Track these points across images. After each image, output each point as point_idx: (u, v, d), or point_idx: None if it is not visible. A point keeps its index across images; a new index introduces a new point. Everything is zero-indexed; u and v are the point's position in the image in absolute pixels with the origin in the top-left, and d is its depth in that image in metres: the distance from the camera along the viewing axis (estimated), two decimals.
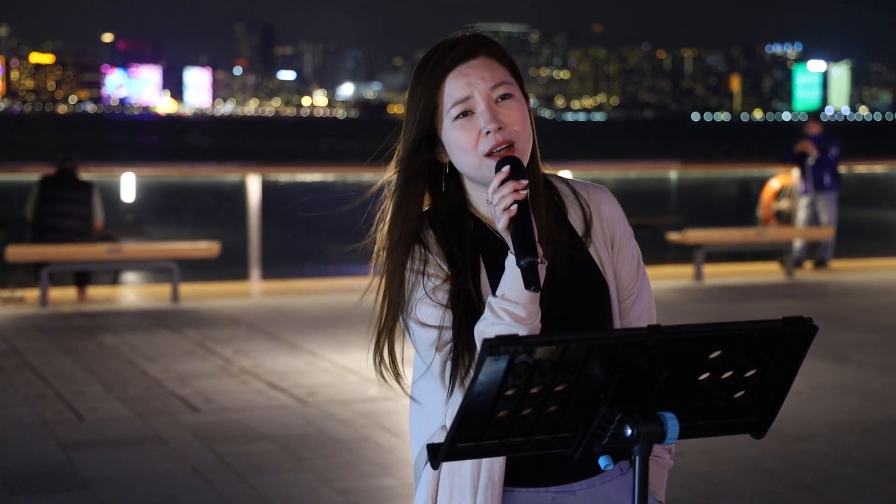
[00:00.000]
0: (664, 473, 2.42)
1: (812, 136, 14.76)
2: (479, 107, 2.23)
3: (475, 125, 2.23)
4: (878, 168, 17.70)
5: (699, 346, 1.94)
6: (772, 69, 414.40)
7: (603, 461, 2.00)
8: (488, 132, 2.22)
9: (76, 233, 12.02)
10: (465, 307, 2.22)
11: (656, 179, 17.09)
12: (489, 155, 2.22)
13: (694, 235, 13.69)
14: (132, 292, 13.14)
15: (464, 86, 2.23)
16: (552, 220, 2.30)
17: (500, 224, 2.13)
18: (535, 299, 2.16)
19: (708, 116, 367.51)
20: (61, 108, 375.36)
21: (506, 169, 2.15)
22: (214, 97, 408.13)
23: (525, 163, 2.24)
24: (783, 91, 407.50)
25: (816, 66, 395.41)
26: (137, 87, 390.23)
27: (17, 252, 11.70)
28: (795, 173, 15.00)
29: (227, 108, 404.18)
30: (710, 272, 13.91)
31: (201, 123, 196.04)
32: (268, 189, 13.42)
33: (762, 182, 15.81)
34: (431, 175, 2.31)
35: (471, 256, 2.26)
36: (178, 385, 8.11)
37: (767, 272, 14.37)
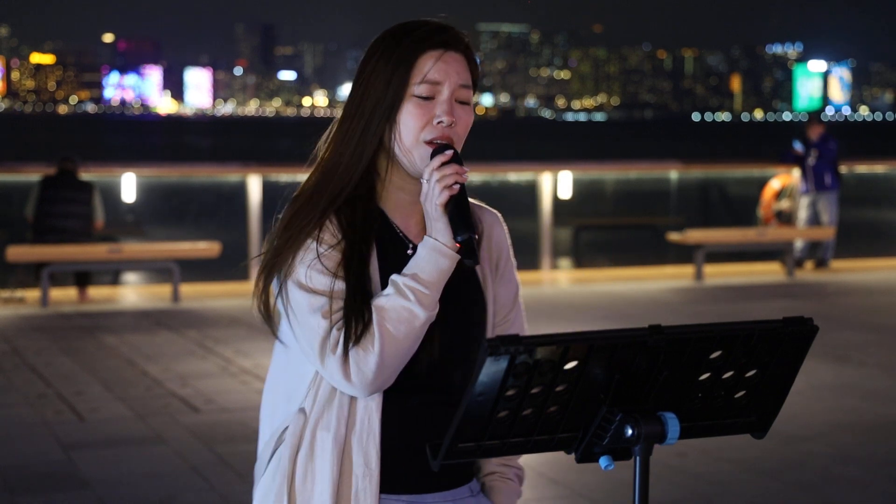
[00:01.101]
0: (513, 497, 2.39)
1: (813, 139, 14.74)
2: (442, 95, 2.23)
3: (431, 110, 2.22)
4: (879, 168, 17.70)
5: (700, 347, 1.94)
6: (772, 69, 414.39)
7: (603, 461, 1.99)
8: (440, 122, 2.22)
9: (77, 233, 12.02)
10: (358, 279, 2.18)
11: (657, 179, 17.09)
12: (429, 142, 2.22)
13: (694, 235, 13.69)
14: (132, 292, 13.14)
15: (441, 70, 2.23)
16: None
17: (439, 199, 2.14)
18: (440, 288, 2.16)
19: (708, 116, 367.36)
20: (62, 109, 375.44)
21: (449, 152, 2.18)
22: (215, 97, 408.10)
23: None
24: (784, 91, 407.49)
25: (817, 66, 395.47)
26: (139, 86, 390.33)
27: (18, 252, 11.70)
28: (796, 173, 15.00)
29: (227, 108, 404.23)
30: (711, 272, 13.91)
31: (202, 123, 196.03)
32: (268, 189, 13.42)
33: (763, 182, 15.81)
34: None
35: (369, 236, 2.23)
36: (179, 385, 8.11)
37: (768, 272, 14.37)
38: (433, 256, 2.16)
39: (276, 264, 2.21)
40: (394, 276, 2.17)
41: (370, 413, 2.19)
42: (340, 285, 2.17)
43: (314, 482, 2.18)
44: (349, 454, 2.18)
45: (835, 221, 14.69)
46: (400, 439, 2.21)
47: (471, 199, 2.39)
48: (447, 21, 2.31)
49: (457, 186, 2.15)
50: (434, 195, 2.15)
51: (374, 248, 2.24)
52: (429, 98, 2.22)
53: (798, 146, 14.80)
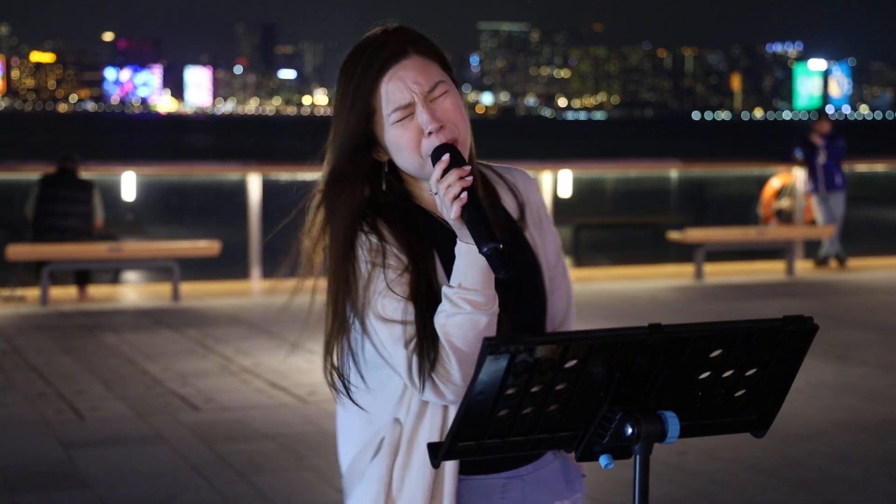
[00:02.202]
0: None
1: (823, 134, 14.70)
2: (417, 108, 2.21)
3: (415, 125, 2.20)
4: (879, 167, 17.70)
5: (700, 345, 1.94)
6: (772, 68, 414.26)
7: (603, 460, 1.99)
8: (430, 132, 2.20)
9: (77, 232, 12.02)
10: (427, 299, 2.19)
11: (657, 178, 17.08)
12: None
13: (694, 234, 13.69)
14: (133, 291, 13.14)
15: (402, 89, 2.20)
16: (490, 206, 2.29)
17: (452, 213, 2.10)
18: (491, 284, 2.15)
19: (708, 115, 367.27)
20: (62, 107, 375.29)
21: (446, 157, 2.13)
22: (215, 96, 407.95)
23: (466, 154, 2.23)
24: (784, 90, 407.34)
25: (817, 64, 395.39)
26: (140, 84, 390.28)
27: (18, 251, 11.70)
28: (797, 172, 14.98)
29: (227, 106, 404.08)
30: (711, 271, 13.91)
31: (202, 122, 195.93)
32: (268, 188, 13.42)
33: (763, 181, 15.80)
34: (370, 174, 2.27)
35: (425, 246, 2.23)
36: (179, 384, 8.11)
37: (768, 271, 14.36)
38: (470, 260, 2.14)
39: (342, 317, 2.22)
40: (445, 290, 2.16)
41: None
42: (411, 308, 2.18)
43: (410, 490, 2.22)
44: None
45: (841, 220, 14.68)
46: None
47: (493, 164, 2.39)
48: (385, 23, 2.27)
49: (464, 195, 2.10)
50: (446, 208, 2.11)
51: (435, 257, 2.24)
52: (408, 116, 2.21)
53: (798, 153, 14.74)
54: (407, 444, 2.23)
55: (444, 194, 2.11)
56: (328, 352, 2.27)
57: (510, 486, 2.31)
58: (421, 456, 2.22)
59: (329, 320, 2.24)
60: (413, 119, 2.21)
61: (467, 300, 2.14)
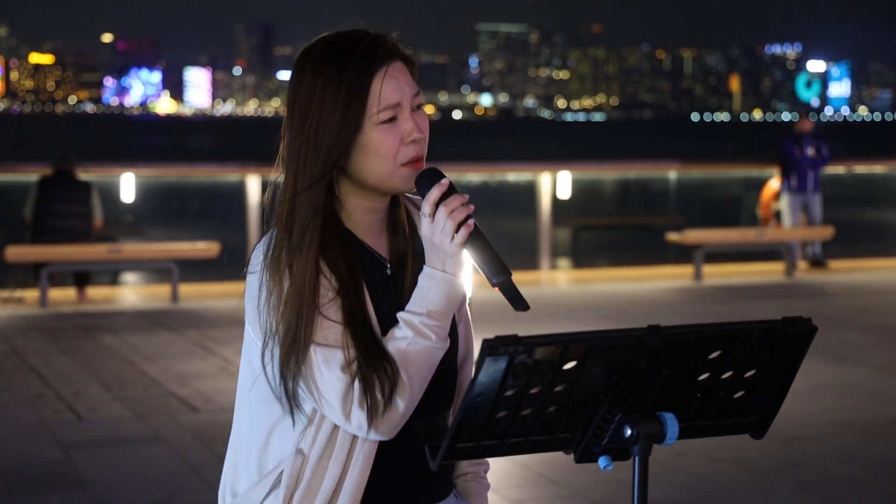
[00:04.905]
0: (484, 493, 2.36)
1: (805, 134, 14.68)
2: (404, 113, 2.15)
3: (398, 131, 2.13)
4: (878, 168, 17.70)
5: (699, 347, 1.94)
6: (771, 69, 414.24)
7: (602, 461, 1.99)
8: (412, 141, 2.14)
9: (75, 233, 12.01)
10: (362, 323, 2.08)
11: (656, 180, 17.09)
12: (405, 164, 2.13)
13: (693, 236, 13.69)
14: (131, 292, 13.13)
15: (395, 90, 2.13)
16: (411, 232, 2.22)
17: (458, 240, 2.04)
18: (451, 318, 2.10)
19: (707, 116, 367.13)
20: (60, 109, 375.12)
21: (445, 181, 2.07)
22: (214, 97, 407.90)
23: None
24: (783, 91, 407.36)
25: (816, 66, 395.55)
26: (139, 85, 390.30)
27: (17, 252, 11.69)
28: (774, 183, 14.98)
29: (226, 108, 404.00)
30: (710, 272, 13.91)
31: (201, 123, 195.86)
32: (267, 189, 13.40)
33: (761, 182, 15.80)
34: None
35: (357, 270, 2.13)
36: (178, 385, 8.11)
37: (767, 272, 14.36)
38: (445, 289, 2.07)
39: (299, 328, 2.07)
40: (406, 316, 2.08)
41: (366, 450, 2.11)
42: (348, 333, 2.07)
43: None
44: (338, 494, 2.11)
45: (820, 221, 14.72)
46: (392, 459, 2.15)
47: (409, 195, 2.28)
48: (365, 27, 2.21)
49: (471, 221, 2.05)
50: (446, 233, 2.04)
51: (363, 283, 2.14)
52: (393, 118, 2.14)
53: (791, 150, 14.67)
54: (310, 476, 2.11)
55: (446, 218, 2.05)
56: (287, 359, 2.08)
57: None
58: (324, 488, 2.10)
59: (293, 329, 2.08)
60: (396, 125, 2.14)
61: (433, 328, 2.07)
